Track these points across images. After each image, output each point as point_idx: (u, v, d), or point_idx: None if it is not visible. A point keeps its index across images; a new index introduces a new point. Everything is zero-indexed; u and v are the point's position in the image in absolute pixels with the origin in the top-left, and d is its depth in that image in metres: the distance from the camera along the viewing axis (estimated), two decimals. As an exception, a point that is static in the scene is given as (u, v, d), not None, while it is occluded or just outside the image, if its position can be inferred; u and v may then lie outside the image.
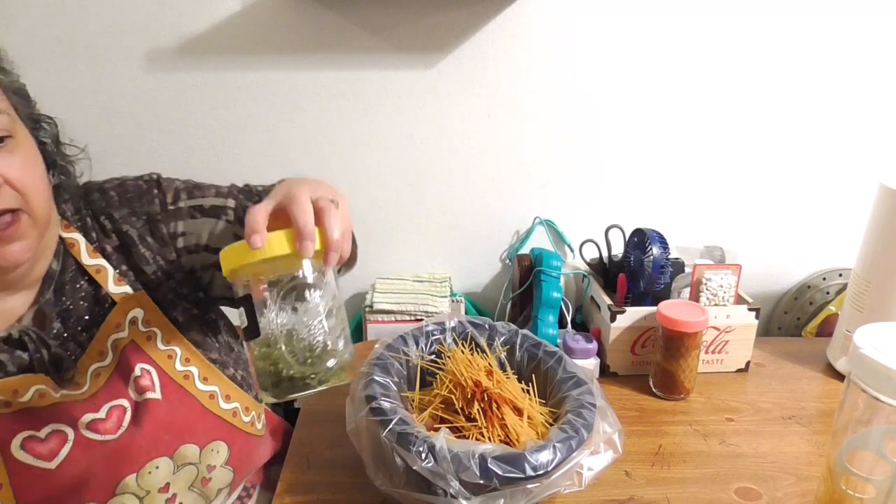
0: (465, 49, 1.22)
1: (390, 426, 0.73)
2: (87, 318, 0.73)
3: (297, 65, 1.21)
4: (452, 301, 1.30)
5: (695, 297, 1.14)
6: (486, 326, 0.96)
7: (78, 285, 0.74)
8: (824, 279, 1.39)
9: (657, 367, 1.07)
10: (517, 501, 0.70)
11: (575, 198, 1.34)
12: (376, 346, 0.89)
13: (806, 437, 0.97)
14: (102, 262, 0.76)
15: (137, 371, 0.73)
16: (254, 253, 0.57)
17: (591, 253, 1.30)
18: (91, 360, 0.72)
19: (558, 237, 1.37)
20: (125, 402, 0.73)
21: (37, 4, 1.14)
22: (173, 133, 1.24)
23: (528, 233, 1.35)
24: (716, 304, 1.12)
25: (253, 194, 0.83)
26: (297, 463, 0.90)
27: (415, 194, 1.32)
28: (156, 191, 0.80)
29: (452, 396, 0.82)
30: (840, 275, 1.38)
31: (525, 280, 1.27)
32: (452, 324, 0.95)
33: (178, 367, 0.77)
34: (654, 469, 0.89)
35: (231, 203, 0.81)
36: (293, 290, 0.60)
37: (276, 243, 0.56)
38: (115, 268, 0.76)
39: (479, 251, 1.37)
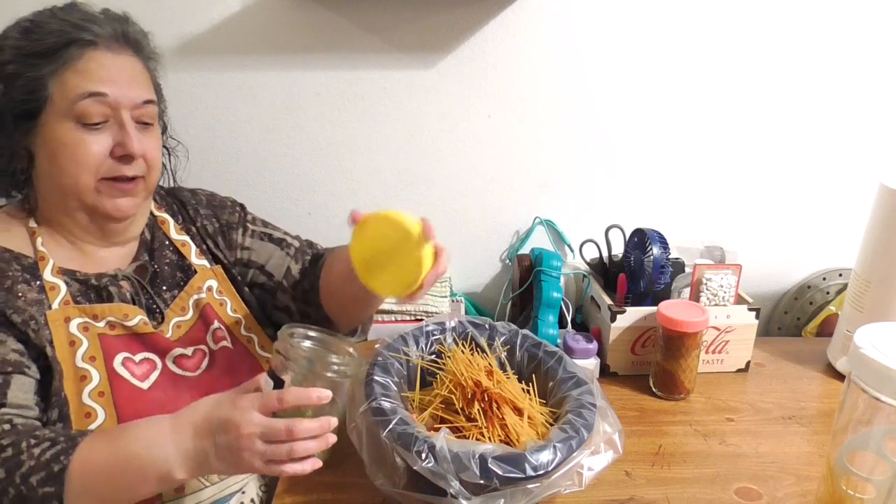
0: (465, 49, 1.22)
1: (390, 426, 0.73)
2: (170, 280, 0.87)
3: (297, 65, 1.21)
4: (452, 301, 1.30)
5: (695, 297, 1.14)
6: (487, 326, 0.96)
7: (164, 254, 0.89)
8: (824, 279, 1.39)
9: (657, 367, 1.07)
10: (517, 501, 0.70)
11: (575, 198, 1.34)
12: (376, 346, 0.89)
13: (806, 437, 0.97)
14: (187, 238, 0.92)
15: (215, 325, 0.87)
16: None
17: (591, 253, 1.30)
18: (174, 313, 0.84)
19: (558, 237, 1.37)
20: (205, 348, 0.85)
21: (37, 4, 1.14)
22: (173, 133, 1.24)
23: (528, 233, 1.35)
24: (716, 304, 1.12)
25: (314, 246, 1.01)
26: (297, 463, 0.89)
27: (415, 194, 1.32)
28: (238, 208, 0.99)
29: (453, 396, 0.82)
30: (840, 275, 1.38)
31: (525, 280, 1.27)
32: (452, 324, 0.95)
33: (243, 331, 0.90)
34: (655, 469, 0.89)
35: (296, 243, 0.99)
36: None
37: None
38: (196, 245, 0.92)
39: (479, 251, 1.37)
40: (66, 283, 0.77)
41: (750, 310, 1.13)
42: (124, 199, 0.79)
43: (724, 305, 1.12)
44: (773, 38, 1.24)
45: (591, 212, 1.35)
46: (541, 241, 1.36)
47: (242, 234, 0.96)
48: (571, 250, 1.36)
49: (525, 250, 1.34)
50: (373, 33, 1.20)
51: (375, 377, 0.81)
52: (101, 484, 0.62)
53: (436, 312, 1.21)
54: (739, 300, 1.15)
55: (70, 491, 0.61)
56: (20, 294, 0.73)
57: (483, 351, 0.91)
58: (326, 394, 0.65)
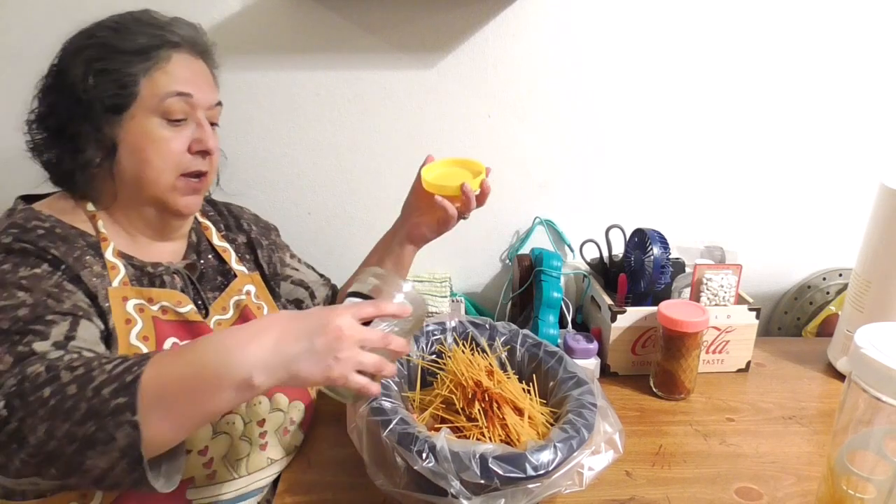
0: (465, 49, 1.22)
1: (391, 426, 0.73)
2: (212, 282, 0.92)
3: (297, 65, 1.21)
4: (452, 301, 1.30)
5: (695, 297, 1.14)
6: (487, 326, 0.96)
7: (209, 257, 0.94)
8: (824, 279, 1.39)
9: (658, 367, 1.07)
10: (518, 501, 0.70)
11: (575, 198, 1.34)
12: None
13: (806, 437, 0.97)
14: (227, 245, 0.98)
15: None
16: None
17: (591, 253, 1.30)
18: (216, 312, 0.88)
19: (558, 237, 1.37)
20: None
21: (37, 4, 1.14)
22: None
23: (528, 233, 1.35)
24: (716, 304, 1.12)
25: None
26: (297, 462, 0.90)
27: (415, 194, 1.32)
28: (280, 235, 1.11)
29: (453, 396, 0.82)
30: (840, 275, 1.38)
31: (525, 280, 1.27)
32: (453, 324, 0.95)
33: None
34: (655, 469, 0.89)
35: (329, 280, 1.15)
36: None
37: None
38: (237, 252, 0.98)
39: (479, 251, 1.37)
40: (124, 266, 0.80)
41: (750, 310, 1.13)
42: (193, 197, 0.85)
43: (725, 305, 1.12)
44: (772, 39, 1.24)
45: (591, 212, 1.35)
46: (541, 241, 1.36)
47: (290, 257, 1.09)
48: (571, 250, 1.36)
49: (525, 250, 1.34)
50: (373, 33, 1.20)
51: (376, 377, 0.81)
52: (175, 394, 0.60)
53: (436, 312, 1.21)
54: (740, 300, 1.15)
55: (143, 402, 0.58)
56: (87, 265, 0.76)
57: (483, 351, 0.91)
58: (409, 308, 0.72)
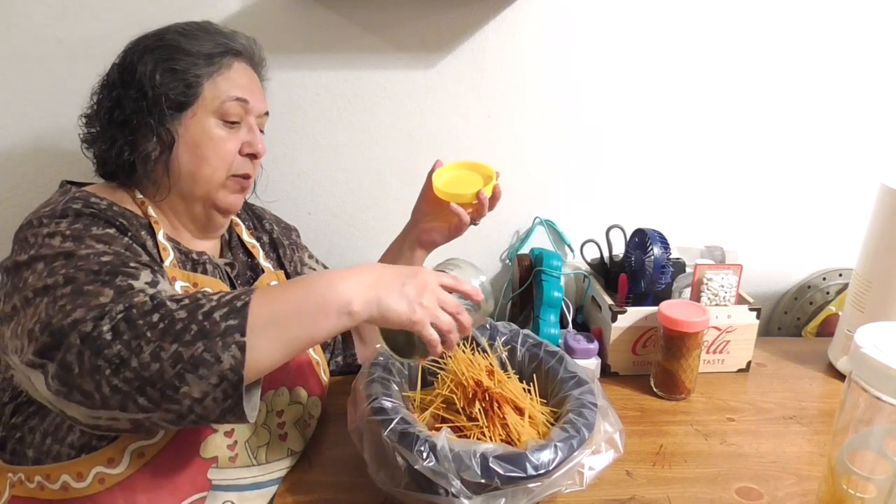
0: (465, 49, 1.22)
1: (391, 426, 0.73)
2: (242, 277, 0.96)
3: (297, 65, 1.21)
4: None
5: (696, 297, 1.14)
6: (488, 326, 0.96)
7: (239, 253, 0.99)
8: (824, 279, 1.39)
9: (658, 366, 1.07)
10: (518, 501, 0.70)
11: (575, 198, 1.34)
12: (378, 346, 0.89)
13: (807, 436, 0.97)
14: (255, 242, 1.02)
15: None
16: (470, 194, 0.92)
17: (592, 253, 1.30)
18: None
19: (558, 237, 1.37)
20: None
21: (37, 4, 1.14)
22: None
23: (528, 233, 1.35)
24: (717, 304, 1.12)
25: None
26: (298, 462, 0.89)
27: (415, 194, 1.31)
28: (299, 235, 1.15)
29: (454, 396, 0.82)
30: (840, 275, 1.38)
31: (525, 280, 1.27)
32: (453, 323, 0.95)
33: None
34: (656, 469, 0.89)
35: None
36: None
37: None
38: (263, 250, 1.02)
39: (479, 251, 1.37)
40: (173, 249, 0.84)
41: (751, 310, 1.13)
42: (238, 196, 0.90)
43: (725, 305, 1.12)
44: (772, 39, 1.24)
45: (591, 212, 1.35)
46: (541, 241, 1.36)
47: (309, 257, 1.13)
48: (571, 250, 1.36)
49: (525, 250, 1.34)
50: (373, 33, 1.20)
51: (376, 377, 0.81)
52: (281, 318, 0.65)
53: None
54: (740, 300, 1.15)
55: (252, 323, 0.63)
56: (144, 240, 0.80)
57: (484, 350, 0.91)
58: (481, 295, 0.79)
